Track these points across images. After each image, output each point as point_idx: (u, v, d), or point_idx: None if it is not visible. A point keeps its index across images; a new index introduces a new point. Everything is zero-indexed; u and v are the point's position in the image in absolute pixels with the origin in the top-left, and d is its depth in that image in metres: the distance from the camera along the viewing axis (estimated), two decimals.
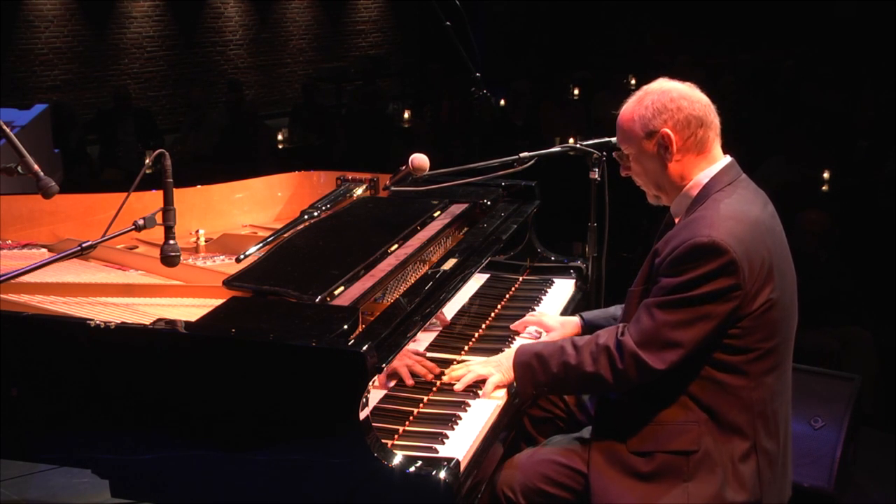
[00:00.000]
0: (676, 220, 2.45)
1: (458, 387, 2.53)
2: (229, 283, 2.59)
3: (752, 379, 2.30)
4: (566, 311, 3.23)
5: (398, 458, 2.11)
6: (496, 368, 2.55)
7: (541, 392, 2.64)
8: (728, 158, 2.43)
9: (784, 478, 2.42)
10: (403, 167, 2.99)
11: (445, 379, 2.59)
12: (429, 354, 2.73)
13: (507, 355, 2.54)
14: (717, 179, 2.38)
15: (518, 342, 2.88)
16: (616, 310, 2.82)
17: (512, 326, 2.94)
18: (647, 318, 2.28)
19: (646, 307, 2.29)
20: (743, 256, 2.23)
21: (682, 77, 2.48)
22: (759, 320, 2.27)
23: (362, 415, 2.10)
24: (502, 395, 2.52)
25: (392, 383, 2.57)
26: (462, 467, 2.18)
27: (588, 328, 2.82)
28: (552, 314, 3.10)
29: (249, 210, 3.73)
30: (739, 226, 2.27)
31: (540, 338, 2.88)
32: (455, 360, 2.73)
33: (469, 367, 2.59)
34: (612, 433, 2.41)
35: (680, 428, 2.32)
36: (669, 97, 2.38)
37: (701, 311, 2.23)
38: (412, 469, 2.09)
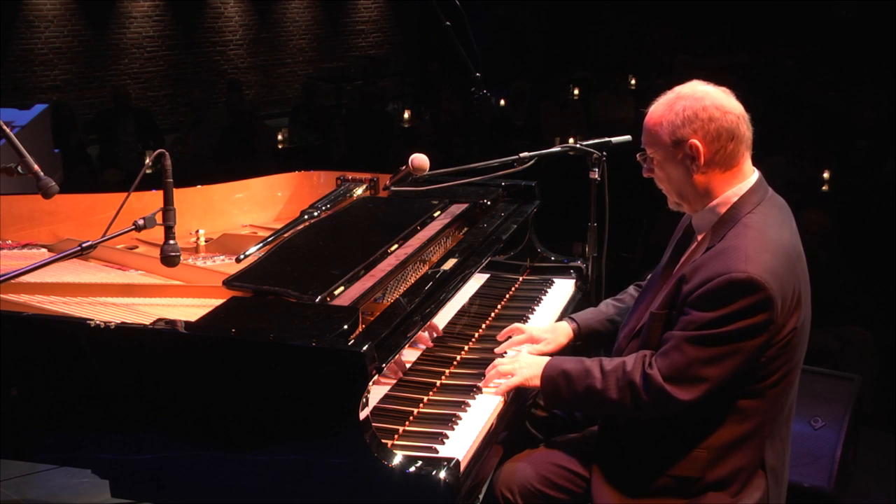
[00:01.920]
0: (699, 237, 2.38)
1: (493, 389, 2.52)
2: (229, 283, 2.59)
3: (767, 401, 2.28)
4: (566, 311, 3.22)
5: (398, 458, 2.11)
6: (520, 369, 2.50)
7: (561, 407, 2.62)
8: (757, 174, 2.35)
9: (784, 488, 2.43)
10: (403, 167, 2.99)
11: (483, 384, 2.57)
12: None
13: (537, 362, 2.48)
14: (746, 199, 2.30)
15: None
16: (608, 308, 2.80)
17: (500, 337, 2.81)
18: (676, 354, 2.21)
19: (676, 341, 2.23)
20: (777, 291, 2.17)
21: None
22: (783, 348, 2.24)
23: (362, 415, 2.10)
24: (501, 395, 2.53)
25: (393, 382, 2.57)
26: (462, 467, 2.18)
27: (582, 332, 2.77)
28: (552, 316, 3.10)
29: (249, 210, 3.72)
30: (775, 259, 2.20)
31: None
32: (456, 359, 2.74)
33: (498, 363, 2.55)
34: (617, 451, 2.41)
35: (690, 454, 2.30)
36: (702, 105, 2.27)
37: (733, 348, 2.18)
38: (412, 469, 2.09)
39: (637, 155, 2.44)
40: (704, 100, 2.29)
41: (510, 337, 2.81)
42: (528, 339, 2.75)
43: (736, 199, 2.31)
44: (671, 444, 2.32)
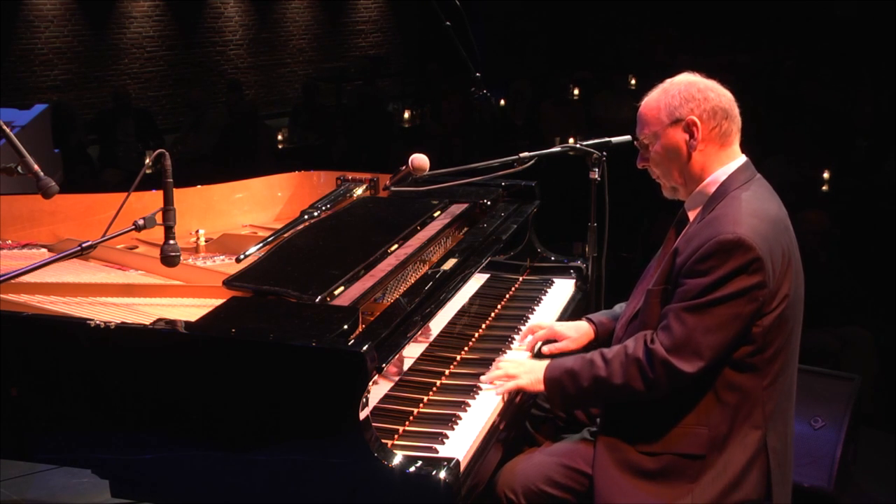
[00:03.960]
0: (691, 216, 2.44)
1: (493, 387, 2.54)
2: (229, 283, 2.59)
3: (766, 378, 2.30)
4: (566, 311, 3.23)
5: (398, 458, 2.11)
6: (524, 374, 2.51)
7: (570, 406, 2.63)
8: (744, 157, 2.43)
9: (789, 477, 2.42)
10: (403, 167, 2.99)
11: (484, 379, 2.57)
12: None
13: (540, 365, 2.49)
14: (734, 177, 2.38)
15: (517, 342, 2.88)
16: (620, 309, 2.80)
17: (527, 340, 2.83)
18: (677, 325, 2.25)
19: (674, 313, 2.26)
20: (767, 254, 2.23)
21: None
22: (776, 318, 2.28)
23: (362, 415, 2.10)
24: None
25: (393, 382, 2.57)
26: (462, 467, 2.18)
27: (600, 333, 2.77)
28: (552, 316, 3.10)
29: (249, 210, 3.73)
30: (762, 223, 2.27)
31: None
32: (456, 359, 2.74)
33: (501, 364, 2.58)
34: (620, 431, 2.41)
35: (690, 430, 2.31)
36: (697, 88, 2.40)
37: (730, 313, 2.22)
38: (412, 469, 2.09)
39: (634, 143, 2.51)
40: (698, 83, 2.42)
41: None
42: (550, 332, 2.78)
43: (725, 177, 2.39)
44: (671, 420, 2.33)
